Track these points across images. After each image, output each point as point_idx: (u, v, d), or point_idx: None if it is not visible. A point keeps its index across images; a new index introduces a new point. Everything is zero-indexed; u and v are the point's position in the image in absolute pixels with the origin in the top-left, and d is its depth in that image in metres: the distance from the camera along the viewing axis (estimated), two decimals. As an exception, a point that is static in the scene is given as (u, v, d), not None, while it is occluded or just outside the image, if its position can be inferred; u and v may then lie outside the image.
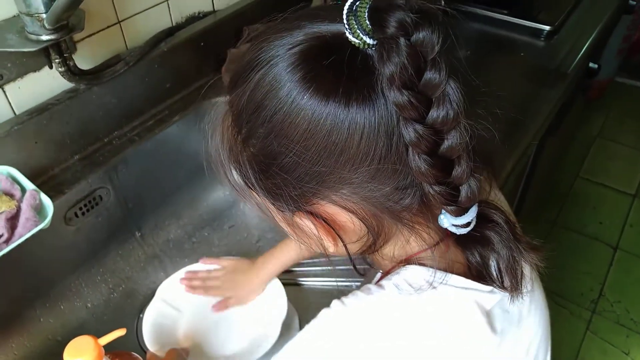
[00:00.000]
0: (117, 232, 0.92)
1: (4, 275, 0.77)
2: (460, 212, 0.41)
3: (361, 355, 0.44)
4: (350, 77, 0.37)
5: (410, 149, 0.38)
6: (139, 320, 0.85)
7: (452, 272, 0.45)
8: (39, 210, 0.72)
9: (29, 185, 0.74)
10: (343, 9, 0.37)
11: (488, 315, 0.45)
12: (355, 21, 0.37)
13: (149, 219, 0.97)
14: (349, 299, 0.46)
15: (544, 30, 1.14)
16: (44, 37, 0.72)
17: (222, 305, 0.85)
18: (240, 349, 0.80)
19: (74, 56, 0.81)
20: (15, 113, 0.80)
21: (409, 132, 0.37)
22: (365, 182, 0.40)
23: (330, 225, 0.44)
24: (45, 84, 0.82)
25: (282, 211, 0.45)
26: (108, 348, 0.59)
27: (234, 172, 0.46)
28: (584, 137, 2.31)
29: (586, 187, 2.12)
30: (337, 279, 0.90)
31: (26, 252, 0.75)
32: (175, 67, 0.98)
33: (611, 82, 2.50)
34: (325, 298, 0.87)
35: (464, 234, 0.43)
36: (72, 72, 0.80)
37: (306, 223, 0.44)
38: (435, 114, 0.36)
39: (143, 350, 0.80)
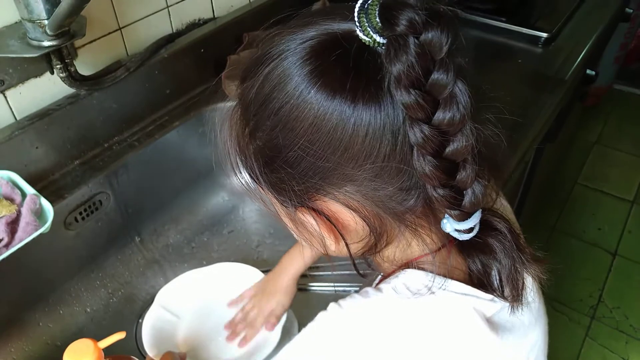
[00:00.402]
0: (116, 237, 0.92)
1: (4, 280, 0.77)
2: (464, 216, 0.40)
3: (358, 358, 0.44)
4: (358, 74, 0.38)
5: (415, 149, 0.38)
6: (138, 325, 0.85)
7: (452, 279, 0.45)
8: (39, 214, 0.73)
9: (29, 189, 0.74)
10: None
11: (488, 321, 0.45)
12: (366, 19, 0.37)
13: (148, 224, 0.97)
14: (346, 302, 0.46)
15: (541, 37, 1.15)
16: (46, 43, 0.73)
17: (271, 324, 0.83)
18: (240, 354, 0.80)
19: (75, 62, 0.81)
20: (16, 118, 0.81)
21: (415, 133, 0.37)
22: (369, 181, 0.40)
23: (332, 223, 0.44)
24: (46, 89, 0.83)
25: (285, 206, 0.45)
26: (107, 352, 0.59)
27: (240, 165, 0.46)
28: (582, 144, 2.32)
29: (585, 193, 2.12)
30: (336, 284, 0.90)
31: (26, 257, 0.75)
32: (175, 73, 0.99)
33: (609, 89, 2.52)
34: (324, 303, 0.87)
35: (467, 240, 0.43)
36: (73, 77, 0.80)
37: (309, 219, 0.44)
38: (441, 115, 0.36)
39: (142, 354, 0.80)
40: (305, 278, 0.91)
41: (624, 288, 1.78)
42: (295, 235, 0.49)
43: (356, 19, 0.38)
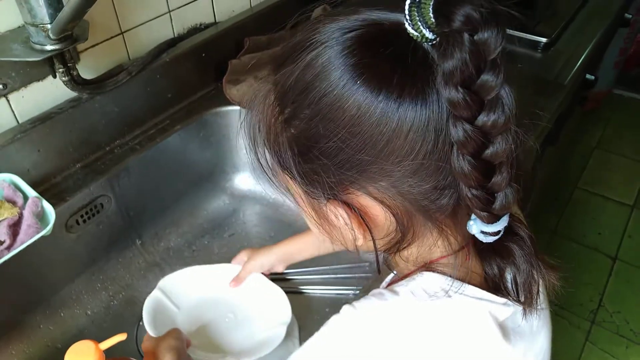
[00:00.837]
0: (117, 239, 0.92)
1: (5, 282, 0.77)
2: (493, 219, 0.40)
3: None
4: (405, 70, 0.37)
5: (455, 148, 0.37)
6: (138, 328, 0.86)
7: (469, 282, 0.45)
8: (40, 217, 0.73)
9: (31, 192, 0.74)
10: (403, 0, 0.37)
11: (501, 326, 0.45)
12: (418, 13, 0.36)
13: (149, 227, 0.97)
14: (360, 304, 0.45)
15: (541, 42, 1.15)
16: (49, 47, 0.73)
17: (238, 279, 0.86)
18: (242, 349, 0.79)
19: (77, 66, 0.82)
20: (18, 121, 0.81)
21: (458, 131, 0.36)
22: (406, 177, 0.40)
23: (362, 218, 0.43)
24: (49, 93, 0.83)
25: (314, 198, 0.44)
26: (108, 354, 0.59)
27: (267, 153, 0.45)
28: (582, 148, 2.33)
29: (585, 198, 2.12)
30: (336, 287, 0.90)
31: (27, 259, 0.75)
32: (176, 78, 0.99)
33: (609, 93, 2.52)
34: (324, 306, 0.88)
35: (487, 244, 0.43)
36: (75, 81, 0.81)
37: (339, 212, 0.43)
38: (486, 116, 0.36)
39: (142, 356, 0.81)
40: (304, 282, 0.92)
41: (624, 292, 1.77)
42: (313, 227, 0.48)
43: (407, 12, 0.37)
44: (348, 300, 0.46)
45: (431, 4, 0.36)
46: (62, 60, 0.78)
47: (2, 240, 0.70)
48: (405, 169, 0.39)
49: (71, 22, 0.70)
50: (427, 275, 0.45)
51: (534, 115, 0.96)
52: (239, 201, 1.08)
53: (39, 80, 0.81)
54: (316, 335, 0.46)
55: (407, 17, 0.37)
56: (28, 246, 0.69)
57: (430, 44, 0.37)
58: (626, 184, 2.17)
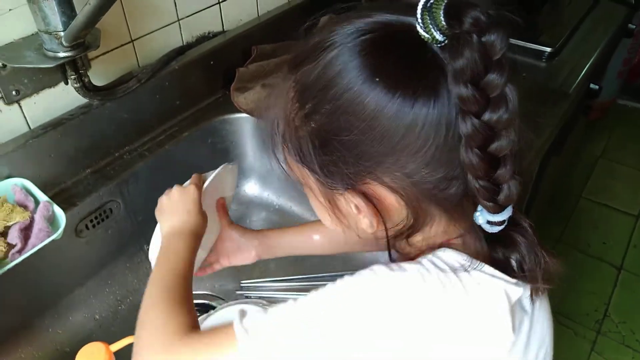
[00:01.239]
0: (126, 244, 0.93)
1: (16, 285, 0.78)
2: (498, 209, 0.43)
3: (386, 321, 0.43)
4: (418, 70, 0.41)
5: (463, 141, 0.41)
6: (145, 333, 0.86)
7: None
8: (51, 221, 0.74)
9: (42, 197, 0.75)
10: (414, 5, 0.41)
11: (511, 311, 0.45)
12: (430, 17, 0.40)
13: (157, 232, 0.98)
14: (380, 268, 0.45)
15: (545, 51, 1.16)
16: (61, 54, 0.75)
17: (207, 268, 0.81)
18: None
19: (88, 73, 0.83)
20: (30, 127, 0.82)
21: (467, 125, 0.40)
22: (420, 168, 0.42)
23: (376, 207, 0.46)
24: (60, 99, 0.84)
25: (332, 188, 0.46)
26: (118, 357, 0.60)
27: (287, 147, 0.47)
28: (587, 158, 2.33)
29: (590, 207, 2.12)
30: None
31: (37, 263, 0.76)
32: (185, 85, 1.00)
33: (613, 103, 2.53)
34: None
35: (492, 234, 0.45)
36: (86, 88, 0.82)
37: (357, 201, 0.45)
38: (491, 112, 0.40)
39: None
40: (301, 288, 0.92)
41: (630, 303, 1.77)
42: (326, 217, 0.50)
43: (419, 16, 0.40)
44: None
45: (442, 8, 0.39)
46: (74, 67, 0.79)
47: (14, 243, 0.71)
48: (419, 161, 0.42)
49: (84, 30, 0.71)
50: (447, 250, 0.47)
51: (538, 124, 0.97)
52: (246, 207, 1.09)
53: (51, 87, 0.83)
54: (334, 285, 0.46)
55: (419, 20, 0.40)
56: (38, 250, 0.70)
57: (439, 45, 0.41)
58: (631, 193, 2.17)
